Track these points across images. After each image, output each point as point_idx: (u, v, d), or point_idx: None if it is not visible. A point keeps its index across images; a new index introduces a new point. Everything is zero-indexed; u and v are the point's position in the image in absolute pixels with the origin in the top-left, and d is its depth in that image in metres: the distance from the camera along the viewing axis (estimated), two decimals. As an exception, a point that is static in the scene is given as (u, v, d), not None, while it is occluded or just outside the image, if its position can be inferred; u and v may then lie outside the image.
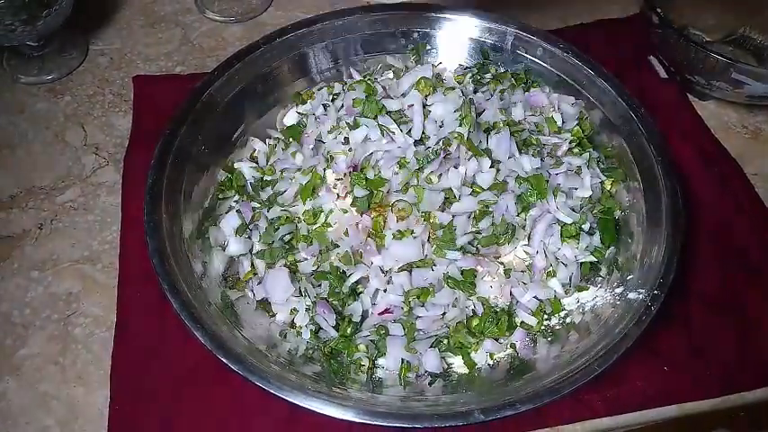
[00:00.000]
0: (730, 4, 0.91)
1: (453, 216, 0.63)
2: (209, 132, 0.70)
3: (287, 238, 0.66)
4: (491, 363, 0.62)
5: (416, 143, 0.65)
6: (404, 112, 0.67)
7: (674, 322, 0.68)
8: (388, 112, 0.67)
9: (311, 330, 0.62)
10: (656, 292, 0.59)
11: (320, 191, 0.67)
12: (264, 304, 0.64)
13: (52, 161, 0.79)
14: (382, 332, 0.61)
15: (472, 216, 0.63)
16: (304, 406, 0.53)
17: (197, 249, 0.64)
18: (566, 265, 0.65)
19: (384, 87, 0.71)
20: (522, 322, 0.64)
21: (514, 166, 0.65)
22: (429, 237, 0.63)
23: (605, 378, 0.60)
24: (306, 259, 0.65)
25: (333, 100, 0.73)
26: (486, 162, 0.64)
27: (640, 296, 0.60)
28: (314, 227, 0.66)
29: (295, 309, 0.63)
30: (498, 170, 0.65)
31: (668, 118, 0.81)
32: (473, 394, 0.57)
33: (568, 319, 0.64)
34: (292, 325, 0.63)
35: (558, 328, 0.64)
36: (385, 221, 0.64)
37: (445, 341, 0.62)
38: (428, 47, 0.80)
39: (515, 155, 0.66)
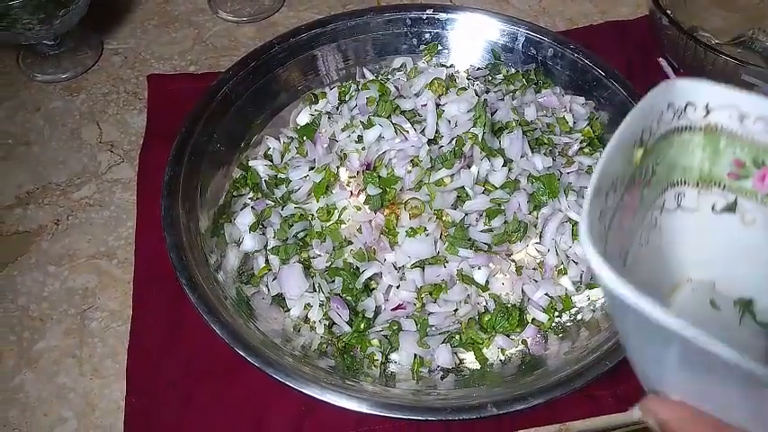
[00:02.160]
0: (739, 7, 0.92)
1: (465, 214, 0.64)
2: (224, 130, 0.72)
3: (301, 234, 0.67)
4: (503, 358, 0.63)
5: (429, 142, 0.66)
6: (417, 112, 0.68)
7: (683, 320, 0.69)
8: (402, 112, 0.68)
9: (325, 325, 0.63)
10: (666, 289, 0.59)
11: (334, 189, 0.68)
12: (279, 299, 0.65)
13: (68, 158, 0.80)
14: (395, 328, 0.62)
15: (484, 214, 0.64)
16: (319, 398, 0.54)
17: (213, 245, 0.65)
18: (576, 263, 0.66)
19: (397, 87, 0.72)
20: (534, 319, 0.64)
21: (527, 165, 0.66)
22: (441, 234, 0.64)
23: (616, 374, 0.60)
24: (319, 256, 0.66)
25: (346, 99, 0.74)
26: (499, 161, 0.65)
27: (651, 294, 0.60)
28: (327, 224, 0.67)
29: (309, 304, 0.64)
30: (511, 169, 0.65)
31: (677, 119, 0.82)
32: (485, 388, 0.58)
33: (579, 316, 0.65)
34: (306, 320, 0.64)
35: (568, 324, 0.65)
36: (398, 219, 0.65)
37: (457, 337, 0.63)
38: (440, 47, 0.81)
39: (528, 154, 0.67)
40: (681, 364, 0.31)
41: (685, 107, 0.39)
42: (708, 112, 0.39)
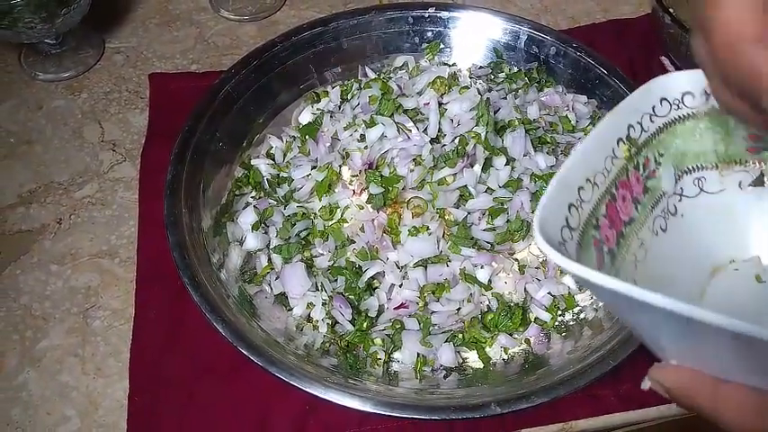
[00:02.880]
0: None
1: (468, 213, 0.64)
2: (226, 129, 0.71)
3: (303, 233, 0.67)
4: (506, 357, 0.63)
5: (432, 141, 0.66)
6: (419, 110, 0.68)
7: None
8: (405, 111, 0.68)
9: (328, 324, 0.63)
10: (669, 288, 0.59)
11: (336, 187, 0.68)
12: (282, 298, 0.65)
13: (70, 157, 0.80)
14: (398, 326, 0.62)
15: (487, 213, 0.64)
16: (322, 397, 0.54)
17: (215, 244, 0.65)
18: (579, 262, 0.66)
19: (399, 86, 0.72)
20: (537, 318, 0.64)
21: (529, 164, 0.66)
22: (444, 233, 0.64)
23: (619, 374, 0.60)
24: (322, 255, 0.66)
25: (349, 98, 0.74)
26: (502, 160, 0.65)
27: (654, 292, 0.60)
28: (330, 223, 0.67)
29: (312, 303, 0.63)
30: (513, 168, 0.65)
31: (680, 117, 0.82)
32: (488, 388, 0.58)
33: (582, 315, 0.65)
34: (309, 319, 0.64)
35: (571, 323, 0.64)
36: (400, 218, 0.65)
37: (460, 336, 0.63)
38: (442, 46, 0.81)
39: (530, 153, 0.66)
40: (668, 334, 0.32)
41: (682, 98, 0.40)
42: (708, 97, 0.40)
